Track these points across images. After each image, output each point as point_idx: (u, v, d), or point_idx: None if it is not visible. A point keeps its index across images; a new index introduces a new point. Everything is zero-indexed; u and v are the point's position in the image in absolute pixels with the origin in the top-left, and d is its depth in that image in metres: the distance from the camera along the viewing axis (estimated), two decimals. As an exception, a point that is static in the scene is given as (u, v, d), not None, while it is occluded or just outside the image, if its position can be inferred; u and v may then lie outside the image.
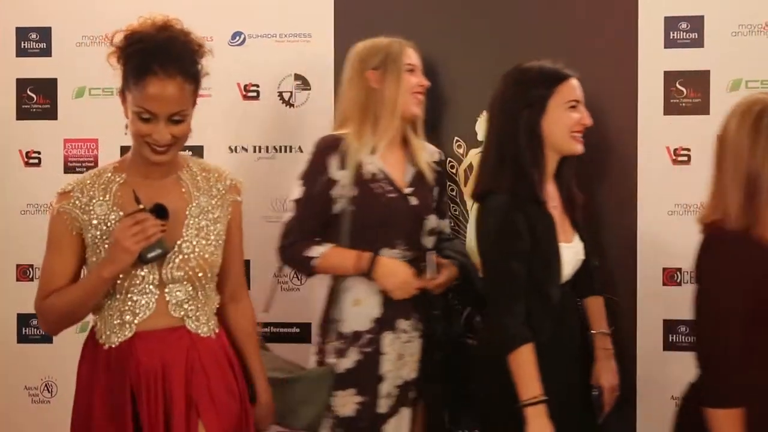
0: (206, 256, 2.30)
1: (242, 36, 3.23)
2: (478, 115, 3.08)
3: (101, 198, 2.24)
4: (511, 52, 2.90)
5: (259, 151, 3.23)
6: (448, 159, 3.12)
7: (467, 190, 3.09)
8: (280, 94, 3.22)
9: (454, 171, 3.14)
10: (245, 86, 3.22)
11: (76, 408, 2.30)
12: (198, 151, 3.18)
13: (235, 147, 3.24)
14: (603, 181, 3.00)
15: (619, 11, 3.07)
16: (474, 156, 3.10)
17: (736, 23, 3.03)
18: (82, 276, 2.30)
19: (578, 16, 3.09)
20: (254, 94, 3.22)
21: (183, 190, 2.33)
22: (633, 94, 3.07)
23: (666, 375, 3.05)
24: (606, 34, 3.08)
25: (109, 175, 2.28)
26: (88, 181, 2.26)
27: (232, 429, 2.31)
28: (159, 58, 2.16)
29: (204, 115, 3.03)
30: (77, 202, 2.23)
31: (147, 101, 2.16)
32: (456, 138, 3.15)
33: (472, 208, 2.87)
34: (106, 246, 2.20)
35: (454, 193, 3.15)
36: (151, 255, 2.18)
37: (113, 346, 2.24)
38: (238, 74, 3.21)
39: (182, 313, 2.28)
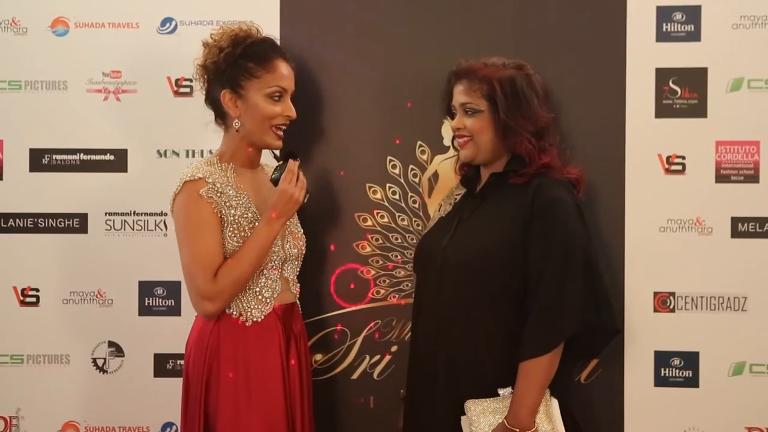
0: (301, 236, 2.84)
1: (173, 23, 3.13)
2: (444, 118, 2.99)
3: (227, 183, 2.67)
4: (480, 46, 2.87)
5: (192, 156, 3.12)
6: (410, 167, 3.06)
7: (432, 202, 3.03)
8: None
9: (416, 180, 3.07)
10: (177, 81, 3.13)
11: (222, 384, 2.64)
12: (121, 155, 3.13)
13: (165, 151, 3.13)
14: (586, 192, 2.85)
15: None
16: (440, 163, 3.04)
17: (738, 14, 3.00)
18: None
19: (557, 6, 3.04)
20: (187, 89, 3.11)
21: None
22: (620, 93, 3.02)
23: (657, 415, 3.01)
24: (590, 26, 3.02)
25: (219, 164, 2.71)
26: (210, 169, 2.67)
27: None
28: (272, 46, 2.73)
29: (129, 114, 3.11)
30: (212, 187, 2.63)
31: (280, 79, 2.69)
32: (419, 143, 3.06)
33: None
34: (242, 221, 2.65)
35: (417, 206, 3.06)
36: (305, 200, 2.68)
37: (257, 320, 2.68)
38: (169, 67, 3.13)
39: (296, 290, 2.81)
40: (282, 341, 2.70)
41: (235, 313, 2.68)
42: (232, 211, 2.65)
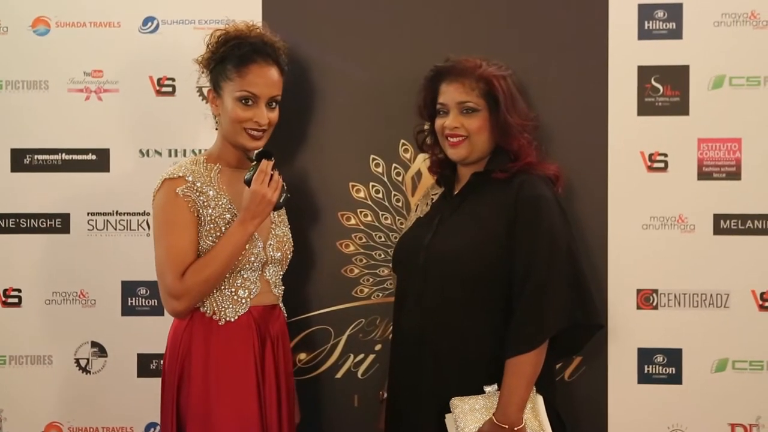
0: (287, 240, 2.83)
1: (155, 22, 3.15)
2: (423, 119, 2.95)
3: (208, 183, 2.68)
4: (462, 45, 2.90)
5: (175, 155, 3.14)
6: (393, 165, 3.08)
7: (415, 201, 3.04)
8: (200, 89, 3.10)
9: (400, 179, 3.09)
10: (159, 80, 3.14)
11: (193, 383, 2.66)
12: (103, 154, 3.15)
13: (147, 150, 3.15)
14: (568, 190, 2.92)
15: (586, -3, 3.04)
16: (423, 161, 3.05)
17: (719, 12, 3.02)
18: None
19: (540, 4, 3.05)
20: (169, 89, 3.14)
21: None
22: (603, 91, 3.03)
23: (641, 412, 3.04)
24: (572, 24, 3.04)
25: (205, 164, 2.72)
26: (193, 168, 2.69)
27: None
28: (257, 49, 2.69)
29: (111, 114, 3.14)
30: (191, 186, 2.65)
31: (250, 85, 2.68)
32: (402, 141, 3.08)
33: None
34: (219, 222, 2.66)
35: (400, 204, 3.09)
36: (281, 200, 2.67)
37: (231, 320, 2.68)
38: (151, 66, 3.14)
39: (279, 292, 2.80)
40: (256, 342, 2.70)
41: (209, 311, 2.69)
42: (209, 211, 2.65)
